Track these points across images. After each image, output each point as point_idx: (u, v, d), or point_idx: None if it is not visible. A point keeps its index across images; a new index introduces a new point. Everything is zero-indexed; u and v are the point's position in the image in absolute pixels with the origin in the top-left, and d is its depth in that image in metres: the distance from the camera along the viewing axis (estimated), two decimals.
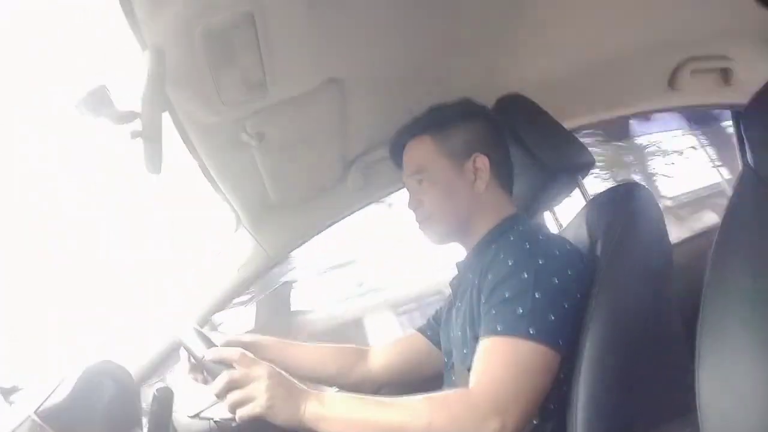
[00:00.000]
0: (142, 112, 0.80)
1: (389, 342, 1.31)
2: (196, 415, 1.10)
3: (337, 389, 1.25)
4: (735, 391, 0.49)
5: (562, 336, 0.86)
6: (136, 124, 0.82)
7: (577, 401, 0.86)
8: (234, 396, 0.84)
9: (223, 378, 0.85)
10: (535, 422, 0.92)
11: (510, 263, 0.92)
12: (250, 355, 0.89)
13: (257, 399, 0.83)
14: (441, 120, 1.12)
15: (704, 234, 1.89)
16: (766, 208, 0.52)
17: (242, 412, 0.84)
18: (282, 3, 0.79)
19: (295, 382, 0.88)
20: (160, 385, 0.96)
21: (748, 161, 0.56)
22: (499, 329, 0.87)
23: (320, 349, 1.27)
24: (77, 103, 0.78)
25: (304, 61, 0.95)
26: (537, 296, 0.87)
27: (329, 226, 1.53)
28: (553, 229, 1.32)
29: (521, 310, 0.86)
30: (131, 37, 0.78)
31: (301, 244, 1.52)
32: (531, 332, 0.84)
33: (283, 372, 0.88)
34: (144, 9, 0.73)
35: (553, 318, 0.86)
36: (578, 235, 1.05)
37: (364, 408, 0.86)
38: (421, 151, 1.11)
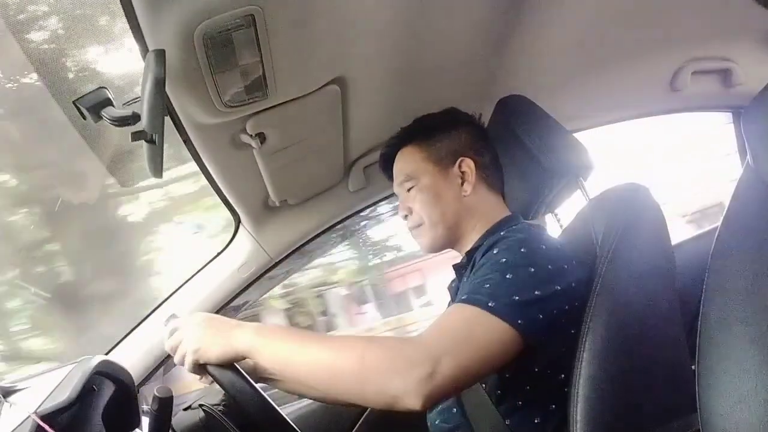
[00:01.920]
0: (144, 114, 0.80)
1: None
2: (189, 407, 1.13)
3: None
4: (735, 391, 0.49)
5: (524, 317, 0.84)
6: (138, 126, 0.82)
7: (577, 401, 0.86)
8: (176, 354, 0.88)
9: (166, 345, 0.90)
10: (536, 421, 0.93)
11: (494, 252, 0.94)
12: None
13: (188, 347, 0.86)
14: (426, 129, 1.14)
15: (704, 234, 1.89)
16: (765, 208, 0.52)
17: (185, 366, 0.87)
18: (282, 4, 0.79)
19: (230, 320, 0.90)
20: (160, 385, 0.96)
21: (748, 162, 0.56)
22: (463, 298, 0.88)
23: None
24: (78, 104, 0.78)
25: (304, 63, 0.95)
26: (507, 277, 0.88)
27: (330, 226, 1.53)
28: (554, 229, 1.32)
29: (488, 286, 0.87)
30: (132, 37, 0.78)
31: (301, 245, 1.52)
32: (489, 305, 0.84)
33: (213, 315, 0.91)
34: (145, 10, 0.73)
35: (516, 298, 0.85)
36: (579, 236, 1.05)
37: (301, 338, 0.87)
38: (409, 160, 1.14)
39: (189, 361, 0.86)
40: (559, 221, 1.36)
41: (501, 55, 1.29)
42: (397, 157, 1.17)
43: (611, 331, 0.89)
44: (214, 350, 0.85)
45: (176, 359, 0.89)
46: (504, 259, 0.90)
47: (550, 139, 1.14)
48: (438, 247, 1.14)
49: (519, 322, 0.84)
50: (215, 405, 1.11)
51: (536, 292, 0.87)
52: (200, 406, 1.12)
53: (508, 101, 1.20)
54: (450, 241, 1.12)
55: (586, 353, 0.87)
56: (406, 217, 1.14)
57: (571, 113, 1.50)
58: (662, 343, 0.93)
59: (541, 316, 0.86)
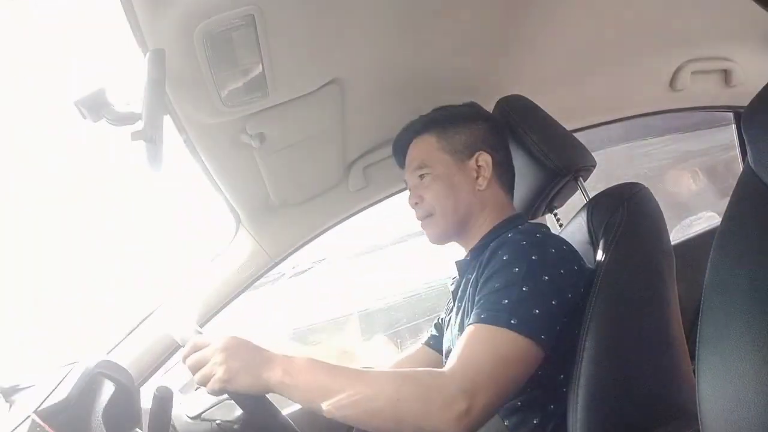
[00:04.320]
0: (143, 113, 0.80)
1: (399, 361, 1.31)
2: (198, 416, 1.09)
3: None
4: (735, 391, 0.49)
5: (546, 331, 0.86)
6: (137, 125, 0.82)
7: (577, 401, 0.86)
8: (198, 375, 0.86)
9: (187, 362, 0.87)
10: (535, 422, 0.93)
11: (505, 258, 0.92)
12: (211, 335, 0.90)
13: (216, 373, 0.84)
14: (445, 119, 1.13)
15: (704, 234, 1.89)
16: (766, 208, 0.52)
17: (208, 389, 0.85)
18: (282, 4, 0.79)
19: (258, 349, 0.87)
20: (160, 385, 0.96)
21: (748, 162, 0.56)
22: (482, 317, 0.87)
23: None
24: (78, 104, 0.79)
25: (304, 63, 0.95)
26: (524, 289, 0.87)
27: (330, 227, 1.53)
28: (554, 229, 1.32)
29: (506, 301, 0.86)
30: (132, 37, 0.78)
31: (301, 245, 1.52)
32: (512, 323, 0.84)
33: (242, 340, 0.88)
34: (145, 10, 0.73)
35: (537, 312, 0.86)
36: (578, 236, 1.05)
37: (332, 377, 0.85)
38: (424, 148, 1.13)
39: (214, 387, 0.84)
40: (559, 221, 1.37)
41: (501, 55, 1.29)
42: (412, 143, 1.15)
43: (611, 331, 0.89)
44: (244, 382, 0.84)
45: (198, 380, 0.86)
46: (516, 268, 0.89)
47: (550, 139, 1.14)
48: (446, 238, 1.13)
49: (542, 337, 0.85)
50: (230, 421, 1.06)
51: (553, 302, 0.88)
52: (218, 424, 1.07)
53: (508, 101, 1.20)
54: (457, 233, 1.11)
55: (586, 353, 0.87)
56: (416, 204, 1.12)
57: (571, 113, 1.50)
58: (662, 343, 0.93)
59: (558, 328, 0.87)
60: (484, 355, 0.83)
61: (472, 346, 0.85)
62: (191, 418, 1.09)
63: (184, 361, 0.89)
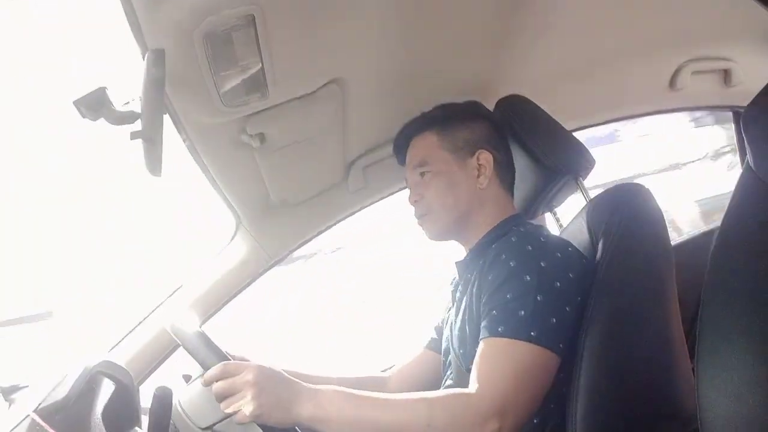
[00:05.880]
0: (142, 113, 0.80)
1: (402, 365, 1.31)
2: (209, 428, 1.05)
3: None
4: (735, 391, 0.49)
5: (563, 339, 0.87)
6: (136, 125, 0.82)
7: (576, 401, 0.86)
8: (225, 405, 0.85)
9: (215, 388, 0.85)
10: (535, 421, 0.93)
11: (512, 264, 0.92)
12: (238, 361, 0.88)
13: (246, 407, 0.83)
14: (447, 117, 1.13)
15: (704, 234, 1.89)
16: (766, 208, 0.52)
17: (236, 420, 0.84)
18: (282, 4, 0.79)
19: (288, 382, 0.86)
20: (160, 384, 0.95)
21: (748, 162, 0.56)
22: (500, 330, 0.87)
23: (340, 382, 1.27)
24: (77, 104, 0.79)
25: (304, 63, 0.95)
26: (539, 299, 0.87)
27: (329, 226, 1.53)
28: (554, 229, 1.32)
29: (523, 313, 0.86)
30: (132, 37, 0.78)
31: (300, 245, 1.52)
32: (532, 335, 0.85)
33: (273, 372, 0.86)
34: (145, 10, 0.73)
35: (554, 321, 0.87)
36: (578, 236, 1.05)
37: (362, 408, 0.85)
38: (426, 145, 1.13)
39: (244, 421, 0.83)
40: (558, 221, 1.37)
41: (501, 55, 1.29)
42: (413, 141, 1.15)
43: (611, 331, 0.89)
44: (275, 418, 0.83)
45: (226, 408, 0.85)
46: (528, 277, 0.90)
47: (549, 139, 1.14)
48: (445, 235, 1.13)
49: (560, 346, 0.86)
50: None
51: (566, 309, 0.89)
52: None
53: (508, 101, 1.20)
54: (457, 231, 1.11)
55: (586, 353, 0.87)
56: (416, 202, 1.12)
57: (571, 113, 1.50)
58: (661, 342, 0.93)
59: (571, 331, 0.88)
60: (510, 372, 0.84)
61: (496, 363, 0.86)
62: (202, 429, 1.06)
63: (205, 384, 0.87)
